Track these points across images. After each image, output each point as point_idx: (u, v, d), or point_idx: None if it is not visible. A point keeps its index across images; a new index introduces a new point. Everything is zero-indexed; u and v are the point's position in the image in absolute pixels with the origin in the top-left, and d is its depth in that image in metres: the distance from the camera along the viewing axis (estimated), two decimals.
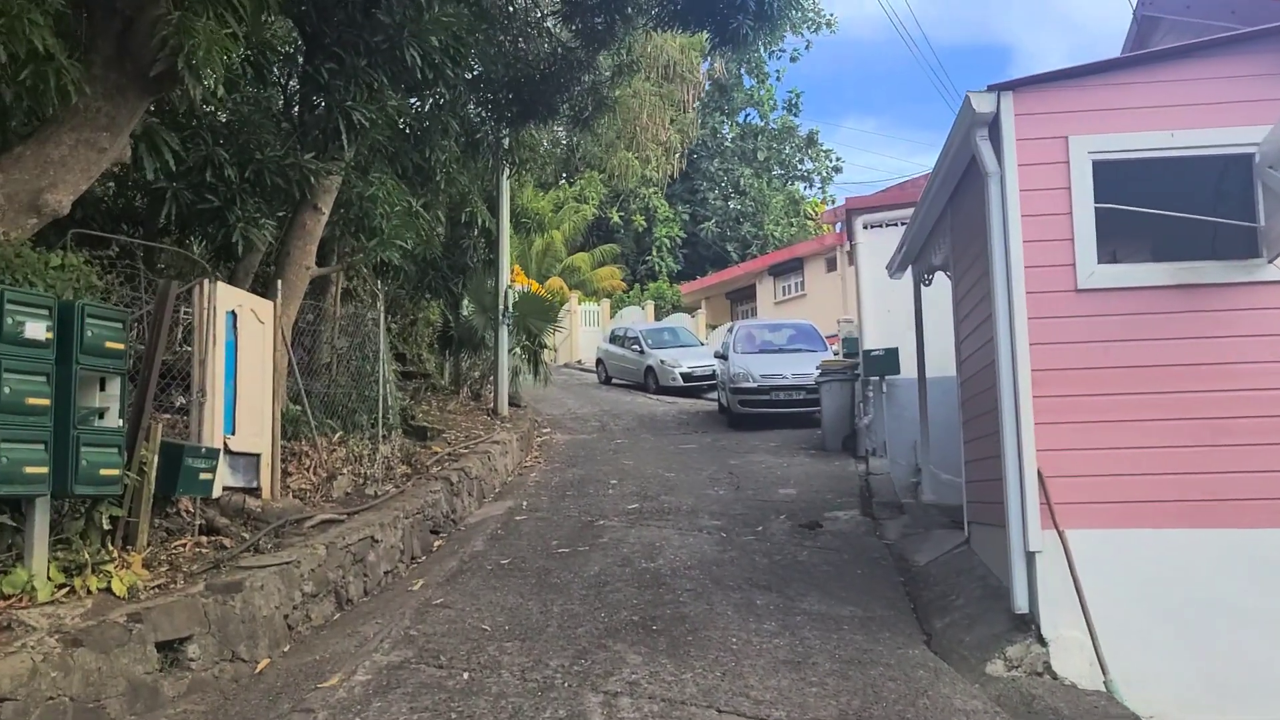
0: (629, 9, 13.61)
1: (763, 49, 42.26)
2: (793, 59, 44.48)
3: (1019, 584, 6.47)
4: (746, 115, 44.97)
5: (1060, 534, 6.36)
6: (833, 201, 43.78)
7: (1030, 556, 6.44)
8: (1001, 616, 6.77)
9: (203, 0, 7.08)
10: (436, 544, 9.82)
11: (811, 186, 46.43)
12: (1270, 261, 6.40)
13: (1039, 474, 6.43)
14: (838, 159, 46.50)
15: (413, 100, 12.36)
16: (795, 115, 45.05)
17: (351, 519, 8.59)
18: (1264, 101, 6.44)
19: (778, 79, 44.55)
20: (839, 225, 31.94)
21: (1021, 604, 6.47)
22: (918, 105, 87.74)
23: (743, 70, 43.49)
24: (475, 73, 13.85)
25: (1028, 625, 6.47)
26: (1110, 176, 6.68)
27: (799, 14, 40.12)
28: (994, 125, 6.68)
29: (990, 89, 6.61)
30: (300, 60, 10.54)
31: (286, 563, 7.09)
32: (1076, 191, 6.59)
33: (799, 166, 46.11)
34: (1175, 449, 6.39)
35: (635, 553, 9.29)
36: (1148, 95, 6.61)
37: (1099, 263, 6.58)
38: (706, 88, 39.85)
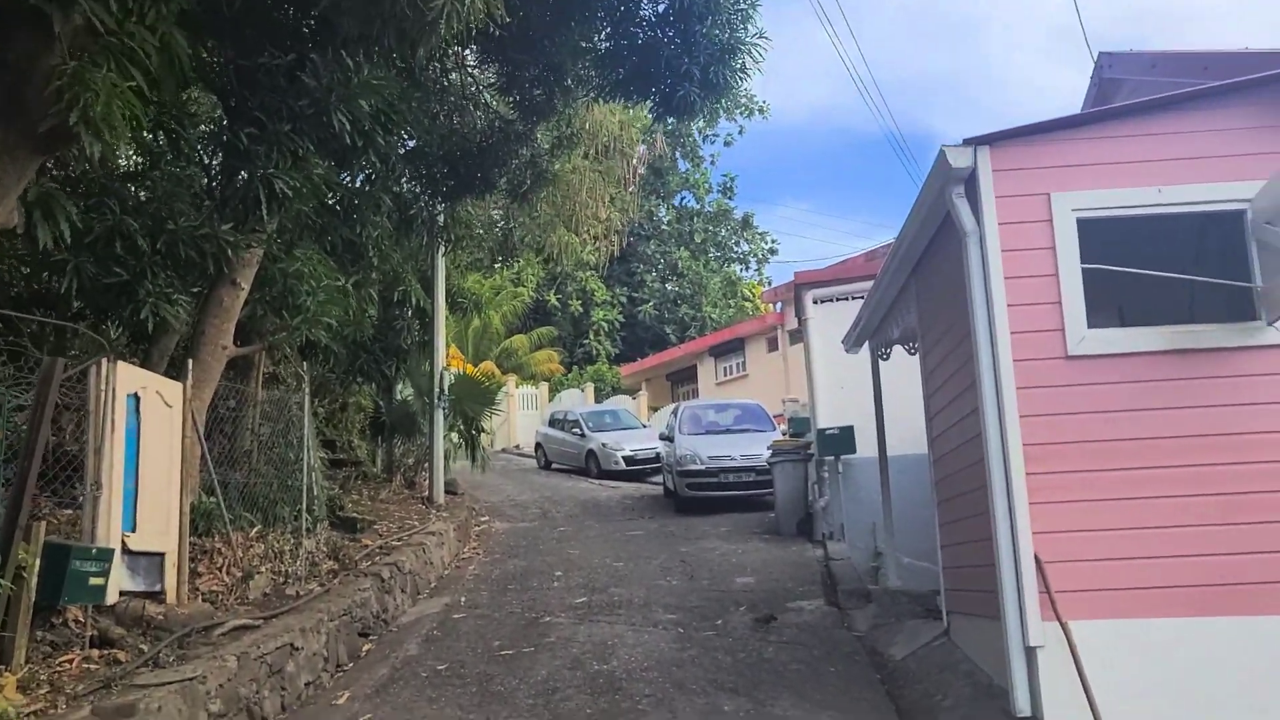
0: (569, 80, 13.20)
1: (698, 135, 42.93)
2: (726, 143, 44.71)
3: (1019, 683, 5.82)
4: (682, 198, 45.07)
5: (1063, 626, 5.74)
6: (769, 283, 43.86)
7: (1030, 652, 5.80)
8: (999, 719, 6.10)
9: (104, 50, 6.43)
10: (365, 648, 8.91)
11: (748, 269, 46.54)
12: (1270, 324, 5.96)
13: (1036, 560, 5.83)
14: (773, 241, 46.73)
15: (344, 176, 11.75)
16: (730, 199, 45.27)
17: (269, 624, 7.69)
18: (1256, 155, 6.07)
19: (712, 163, 44.83)
20: (779, 305, 31.81)
21: (1023, 706, 5.81)
22: (848, 191, 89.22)
23: (678, 154, 43.73)
24: (409, 145, 13.30)
25: None
26: (1092, 236, 6.24)
27: (731, 102, 40.60)
28: (971, 182, 6.23)
29: (967, 143, 6.16)
30: (224, 137, 9.87)
31: (190, 679, 6.18)
32: (1061, 251, 6.14)
33: (735, 249, 46.19)
34: (1184, 529, 5.85)
35: (586, 653, 8.49)
36: (1133, 149, 6.21)
37: (1090, 327, 6.09)
38: (642, 171, 39.89)
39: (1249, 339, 6.01)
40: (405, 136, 12.83)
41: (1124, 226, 6.31)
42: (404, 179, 13.79)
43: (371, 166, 11.64)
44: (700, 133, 42.72)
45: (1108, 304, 7.53)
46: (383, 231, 12.86)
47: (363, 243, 12.28)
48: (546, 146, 15.17)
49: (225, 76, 9.32)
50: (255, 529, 9.44)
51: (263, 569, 8.91)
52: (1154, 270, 6.40)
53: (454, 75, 14.05)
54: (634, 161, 28.86)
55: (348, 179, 12.11)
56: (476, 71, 14.23)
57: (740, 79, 12.24)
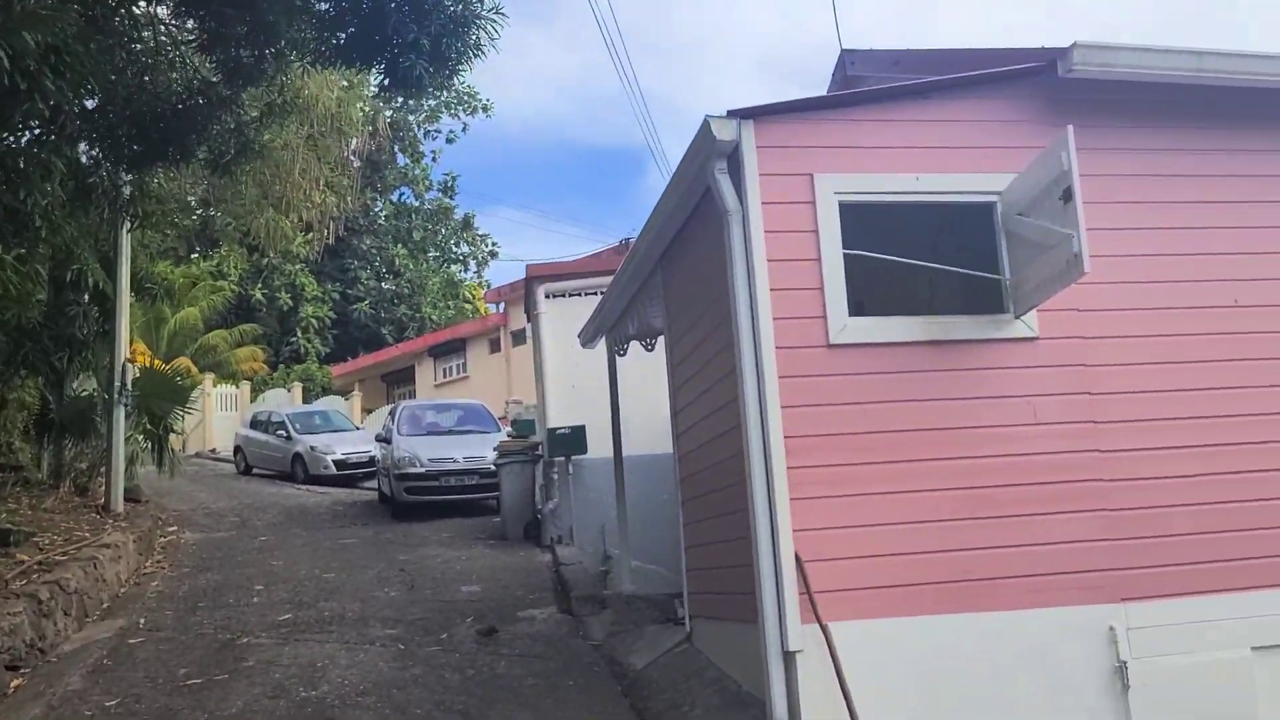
0: (283, 42, 11.93)
1: (418, 129, 41.46)
2: (449, 140, 43.28)
3: (777, 690, 5.46)
4: (401, 194, 43.42)
5: (823, 628, 5.44)
6: (489, 286, 43.07)
7: (789, 657, 5.46)
8: None
9: None
10: (14, 684, 7.41)
11: (467, 270, 45.52)
12: (1017, 317, 5.96)
13: (797, 558, 5.50)
14: (494, 244, 45.92)
15: (4, 134, 9.97)
16: (451, 198, 44.04)
17: None
18: (1008, 149, 6.07)
19: (434, 159, 43.40)
20: (502, 305, 31.19)
21: (780, 713, 5.45)
22: (568, 201, 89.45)
23: (397, 148, 42.04)
24: (89, 103, 11.56)
25: None
26: (856, 221, 6.03)
27: (454, 96, 39.52)
28: (734, 157, 5.86)
29: (731, 114, 5.78)
30: None
31: None
32: (824, 235, 5.88)
33: (455, 250, 45.06)
34: (939, 524, 5.72)
35: (291, 678, 7.46)
36: (894, 135, 6.06)
37: (851, 315, 5.86)
38: (357, 164, 37.91)
39: (998, 331, 5.98)
40: (84, 90, 11.13)
41: (881, 212, 6.15)
42: (82, 141, 12.01)
43: (40, 119, 9.95)
44: (420, 126, 41.34)
45: (886, 300, 7.44)
46: (54, 200, 11.05)
47: (28, 212, 10.42)
48: (255, 114, 13.72)
49: None
50: None
51: None
52: (922, 261, 6.26)
53: (147, 31, 12.41)
54: (354, 142, 27.08)
55: (10, 139, 10.33)
56: (173, 24, 12.63)
57: (475, 55, 11.46)
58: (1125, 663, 5.76)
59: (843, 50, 8.90)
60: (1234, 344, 6.26)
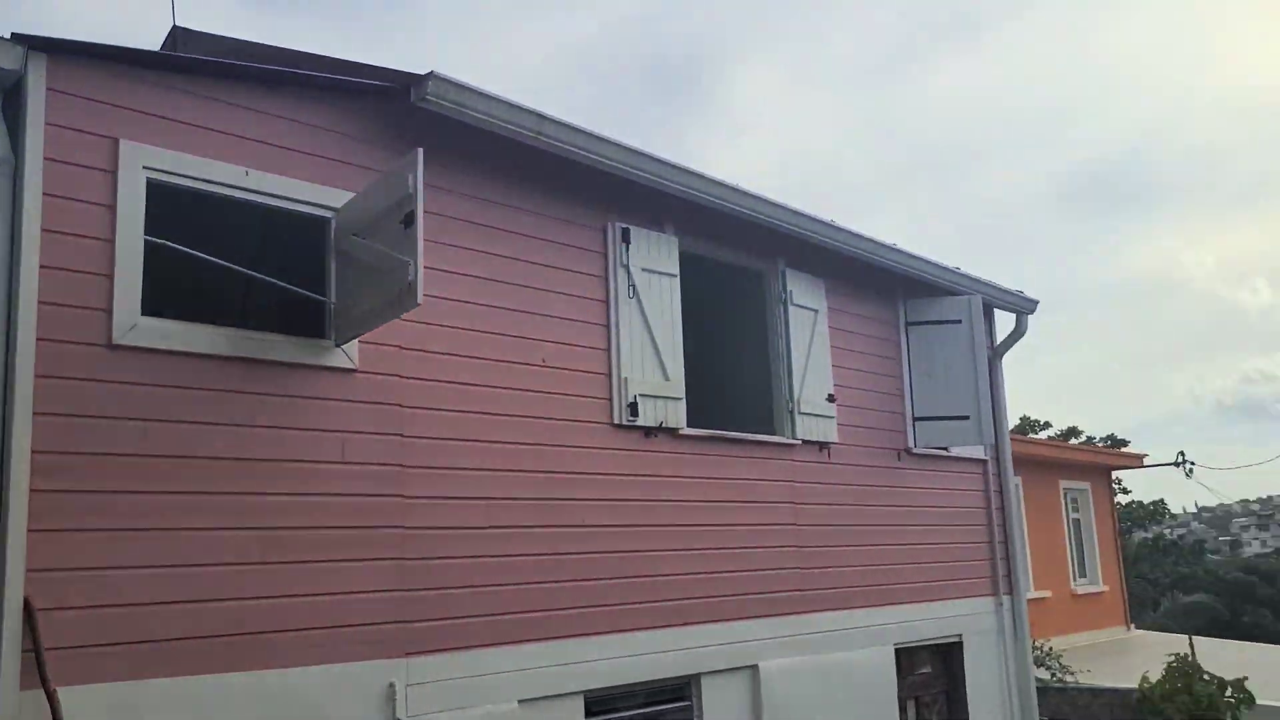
0: None
1: None
2: None
3: None
4: None
5: (50, 695, 4.30)
6: None
7: None
8: None
9: None
10: None
11: None
12: (338, 345, 5.47)
13: (28, 606, 4.32)
14: None
15: None
16: None
17: None
18: (349, 165, 5.64)
19: None
20: None
21: None
22: None
23: None
24: None
25: None
26: (170, 208, 5.11)
27: None
28: (14, 95, 4.62)
29: (17, 39, 4.55)
30: None
31: None
32: (123, 213, 4.84)
33: None
34: (217, 568, 4.89)
35: None
36: (226, 118, 5.24)
37: (145, 314, 4.87)
38: None
39: (316, 358, 5.41)
40: None
41: (202, 204, 5.30)
42: None
43: None
44: None
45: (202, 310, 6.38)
46: None
47: None
48: None
49: None
50: None
51: None
52: (228, 263, 5.44)
53: None
54: None
55: None
56: None
57: None
58: None
59: (175, 26, 7.85)
60: (538, 402, 6.44)
